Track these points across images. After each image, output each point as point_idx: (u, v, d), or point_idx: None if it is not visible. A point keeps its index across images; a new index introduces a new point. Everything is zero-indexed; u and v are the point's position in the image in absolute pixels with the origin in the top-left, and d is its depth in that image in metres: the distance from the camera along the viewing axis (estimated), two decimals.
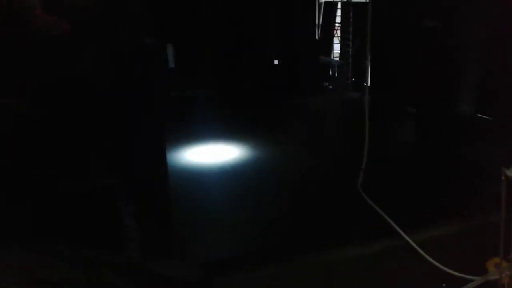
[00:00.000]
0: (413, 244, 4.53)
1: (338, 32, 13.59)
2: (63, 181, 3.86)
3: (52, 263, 2.82)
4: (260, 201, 5.53)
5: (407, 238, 4.57)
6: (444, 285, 4.56)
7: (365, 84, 7.42)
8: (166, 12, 10.96)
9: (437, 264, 4.49)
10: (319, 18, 13.95)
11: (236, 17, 11.86)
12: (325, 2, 13.97)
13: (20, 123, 3.92)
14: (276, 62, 13.29)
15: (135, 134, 4.10)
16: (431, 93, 8.92)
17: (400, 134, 8.71)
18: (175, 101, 11.09)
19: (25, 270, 2.83)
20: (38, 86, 4.09)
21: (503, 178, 3.87)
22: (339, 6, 13.45)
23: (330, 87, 13.41)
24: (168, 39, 11.39)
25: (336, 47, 13.91)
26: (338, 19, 13.60)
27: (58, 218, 3.46)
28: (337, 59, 13.67)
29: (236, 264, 4.30)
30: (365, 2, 12.22)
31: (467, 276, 4.47)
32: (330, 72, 13.59)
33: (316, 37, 13.89)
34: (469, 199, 5.20)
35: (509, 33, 7.19)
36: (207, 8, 11.57)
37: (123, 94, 4.03)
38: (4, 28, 4.12)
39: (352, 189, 5.68)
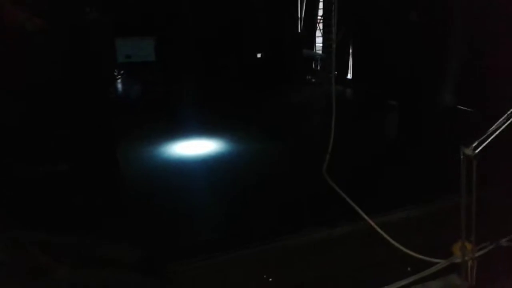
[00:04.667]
0: (376, 227, 4.48)
1: (321, 25, 13.56)
2: (17, 166, 3.80)
3: None
4: (225, 190, 5.45)
5: (370, 221, 4.52)
6: (409, 268, 4.54)
7: (333, 74, 7.32)
8: (146, 4, 10.90)
9: (401, 247, 4.46)
10: (301, 11, 13.91)
11: (218, 10, 11.79)
12: None
13: None
14: (258, 55, 13.22)
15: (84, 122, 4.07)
16: (413, 86, 8.96)
17: (378, 125, 8.69)
18: (155, 94, 11.09)
19: None
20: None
21: (461, 157, 3.84)
22: None
23: (313, 80, 13.36)
24: (148, 32, 11.30)
25: (319, 40, 13.88)
26: (320, 12, 13.57)
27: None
28: (320, 52, 13.64)
29: (196, 251, 4.22)
30: None
31: (432, 259, 4.44)
32: (313, 65, 13.55)
33: (299, 30, 13.84)
34: (435, 182, 5.18)
35: (492, 24, 7.19)
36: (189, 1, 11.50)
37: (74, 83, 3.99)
38: None
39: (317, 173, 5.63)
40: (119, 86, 12.10)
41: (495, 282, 4.60)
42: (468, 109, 8.56)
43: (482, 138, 3.75)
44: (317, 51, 13.93)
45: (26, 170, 3.86)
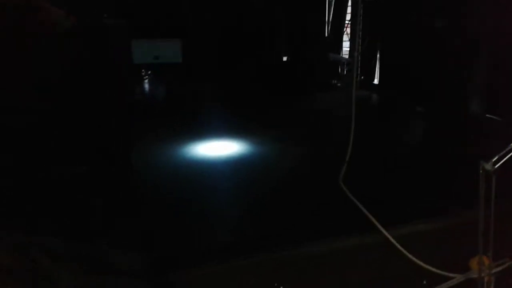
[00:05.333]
0: (392, 240, 4.42)
1: (348, 29, 13.46)
2: (37, 167, 3.86)
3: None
4: (241, 195, 5.45)
5: (386, 233, 4.46)
6: (424, 282, 4.46)
7: (357, 79, 7.26)
8: (176, 7, 11.04)
9: (416, 260, 4.39)
10: (329, 15, 13.83)
11: (245, 13, 11.84)
12: None
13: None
14: (284, 58, 13.21)
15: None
16: (440, 93, 8.82)
17: (400, 133, 8.56)
18: (181, 95, 11.21)
19: None
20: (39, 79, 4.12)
21: (481, 171, 3.75)
22: (349, 3, 13.33)
23: (339, 84, 13.27)
24: (176, 35, 11.43)
25: (346, 45, 13.77)
26: (348, 17, 13.47)
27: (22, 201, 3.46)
28: (347, 56, 13.53)
29: (208, 256, 4.24)
30: (376, 0, 12.11)
31: (448, 274, 4.36)
32: (339, 69, 13.46)
33: (326, 34, 13.77)
34: (454, 196, 5.07)
35: None
36: (216, 3, 11.57)
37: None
38: (9, 21, 4.15)
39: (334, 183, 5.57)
40: (146, 86, 12.29)
41: None
42: (497, 118, 8.38)
43: (503, 153, 3.67)
44: (344, 55, 13.82)
45: (51, 170, 3.92)
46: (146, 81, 12.34)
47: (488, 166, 3.71)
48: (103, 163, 4.09)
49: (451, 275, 4.35)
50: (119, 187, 4.16)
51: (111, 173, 4.10)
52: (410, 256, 4.42)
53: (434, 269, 4.35)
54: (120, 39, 5.16)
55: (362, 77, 12.85)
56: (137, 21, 9.43)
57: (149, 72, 12.33)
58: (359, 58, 11.89)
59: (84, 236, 3.35)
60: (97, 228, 3.58)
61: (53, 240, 2.87)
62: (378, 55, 12.35)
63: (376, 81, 12.49)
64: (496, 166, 3.65)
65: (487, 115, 8.65)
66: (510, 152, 3.66)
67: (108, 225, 3.67)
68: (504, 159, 3.64)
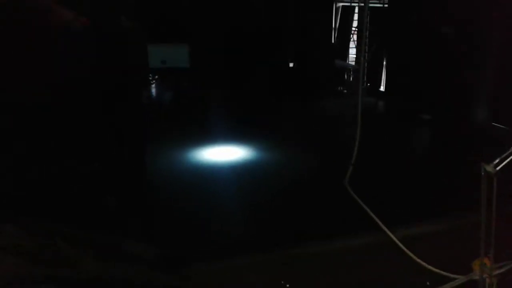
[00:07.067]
0: (396, 240, 4.50)
1: (355, 36, 13.56)
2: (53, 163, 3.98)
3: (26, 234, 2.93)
4: (248, 196, 5.56)
5: (390, 234, 4.54)
6: (428, 283, 4.53)
7: (363, 85, 7.35)
8: (183, 13, 11.15)
9: (420, 261, 4.46)
10: (335, 22, 13.94)
11: (252, 19, 11.94)
12: (342, 6, 13.97)
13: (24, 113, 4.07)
14: (291, 65, 13.30)
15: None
16: (446, 100, 8.87)
17: (405, 138, 8.64)
18: (188, 99, 11.32)
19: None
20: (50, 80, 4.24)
21: (482, 173, 3.82)
22: (356, 10, 13.44)
23: (345, 91, 13.36)
24: (183, 40, 11.53)
25: (352, 52, 13.87)
26: (355, 24, 13.58)
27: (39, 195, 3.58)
28: (353, 63, 13.63)
29: (217, 254, 4.34)
30: (383, 7, 12.23)
31: (450, 275, 4.42)
32: (345, 76, 13.55)
33: (332, 41, 13.87)
34: (456, 198, 5.14)
35: None
36: (224, 9, 11.68)
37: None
38: (20, 23, 4.27)
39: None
40: (153, 90, 12.39)
41: None
42: (503, 127, 8.43)
43: (504, 155, 3.74)
44: (350, 62, 13.92)
45: (65, 167, 4.03)
46: (153, 85, 12.45)
47: (489, 168, 3.78)
48: (117, 161, 4.21)
49: (453, 276, 4.41)
50: (130, 187, 4.28)
51: (124, 171, 4.23)
52: (414, 257, 4.49)
53: (437, 270, 4.41)
54: (135, 42, 5.29)
55: (369, 84, 12.96)
56: (144, 26, 9.55)
57: (156, 76, 12.43)
58: (366, 64, 12.01)
59: (101, 225, 3.48)
60: (113, 220, 3.71)
61: (74, 228, 3.00)
62: (384, 62, 12.44)
63: (382, 88, 12.57)
64: (498, 168, 3.72)
65: (492, 123, 8.71)
66: (511, 155, 3.73)
67: (122, 219, 3.79)
68: (506, 161, 3.71)
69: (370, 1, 11.83)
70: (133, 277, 3.04)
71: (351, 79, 13.44)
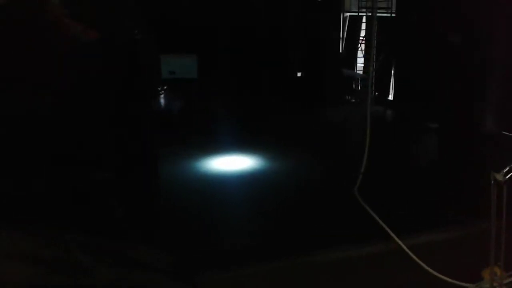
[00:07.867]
0: (406, 249, 4.51)
1: (363, 45, 13.61)
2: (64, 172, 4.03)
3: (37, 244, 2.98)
4: (257, 205, 5.61)
5: (400, 243, 4.55)
6: None
7: (371, 94, 7.40)
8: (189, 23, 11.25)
9: (430, 270, 4.46)
10: (343, 32, 14.01)
11: (260, 29, 12.03)
12: (350, 16, 14.04)
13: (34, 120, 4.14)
14: (299, 74, 13.36)
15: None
16: (454, 109, 8.87)
17: (418, 147, 8.65)
18: (197, 110, 11.39)
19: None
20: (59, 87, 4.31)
21: (492, 182, 3.84)
22: (364, 20, 13.50)
23: (353, 100, 13.39)
24: (191, 50, 11.62)
25: (360, 61, 13.91)
26: (362, 33, 13.63)
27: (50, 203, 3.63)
28: (361, 72, 13.67)
29: (225, 263, 4.37)
30: (390, 17, 12.29)
31: (460, 283, 4.42)
32: (353, 85, 13.59)
33: (340, 51, 13.93)
34: (465, 206, 5.15)
35: None
36: (231, 19, 11.78)
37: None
38: (30, 34, 4.36)
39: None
40: (162, 101, 12.47)
41: None
42: None
43: None
44: (358, 71, 13.96)
45: (79, 176, 4.09)
46: (162, 96, 12.52)
47: (499, 177, 3.80)
48: (129, 170, 4.27)
49: (464, 285, 4.41)
50: (143, 196, 4.33)
51: (136, 180, 4.28)
52: (423, 265, 4.49)
53: (447, 279, 4.41)
54: (148, 54, 5.37)
55: (377, 93, 12.97)
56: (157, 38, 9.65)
57: (165, 87, 12.51)
58: (374, 74, 12.04)
59: (114, 232, 3.52)
60: (124, 227, 3.76)
61: (88, 236, 3.04)
62: (392, 71, 12.46)
63: (390, 97, 12.58)
64: (507, 176, 3.74)
65: (502, 132, 8.68)
66: None
67: (136, 227, 3.84)
68: None
69: (378, 11, 11.88)
70: (149, 285, 3.07)
71: (359, 88, 13.48)
